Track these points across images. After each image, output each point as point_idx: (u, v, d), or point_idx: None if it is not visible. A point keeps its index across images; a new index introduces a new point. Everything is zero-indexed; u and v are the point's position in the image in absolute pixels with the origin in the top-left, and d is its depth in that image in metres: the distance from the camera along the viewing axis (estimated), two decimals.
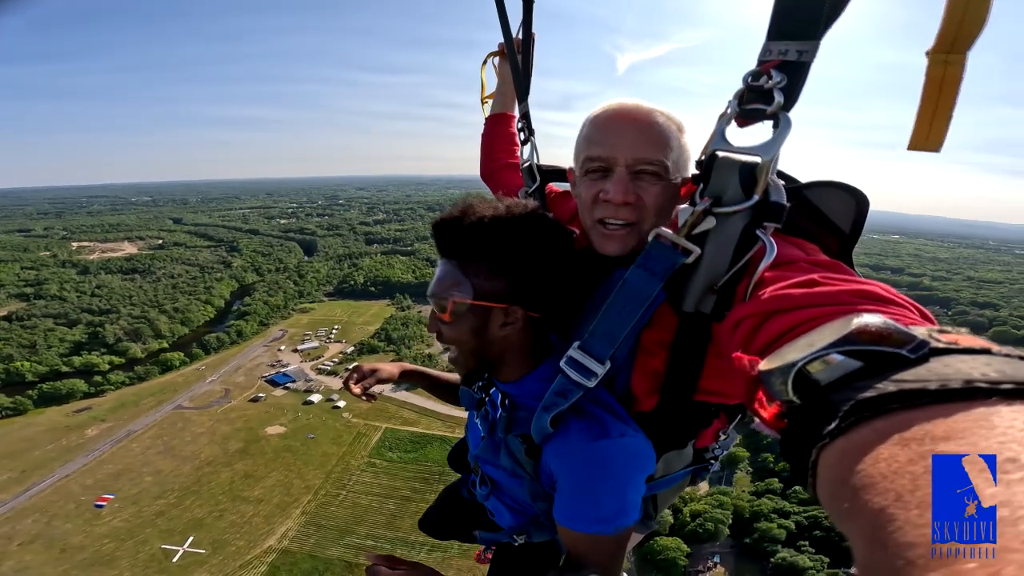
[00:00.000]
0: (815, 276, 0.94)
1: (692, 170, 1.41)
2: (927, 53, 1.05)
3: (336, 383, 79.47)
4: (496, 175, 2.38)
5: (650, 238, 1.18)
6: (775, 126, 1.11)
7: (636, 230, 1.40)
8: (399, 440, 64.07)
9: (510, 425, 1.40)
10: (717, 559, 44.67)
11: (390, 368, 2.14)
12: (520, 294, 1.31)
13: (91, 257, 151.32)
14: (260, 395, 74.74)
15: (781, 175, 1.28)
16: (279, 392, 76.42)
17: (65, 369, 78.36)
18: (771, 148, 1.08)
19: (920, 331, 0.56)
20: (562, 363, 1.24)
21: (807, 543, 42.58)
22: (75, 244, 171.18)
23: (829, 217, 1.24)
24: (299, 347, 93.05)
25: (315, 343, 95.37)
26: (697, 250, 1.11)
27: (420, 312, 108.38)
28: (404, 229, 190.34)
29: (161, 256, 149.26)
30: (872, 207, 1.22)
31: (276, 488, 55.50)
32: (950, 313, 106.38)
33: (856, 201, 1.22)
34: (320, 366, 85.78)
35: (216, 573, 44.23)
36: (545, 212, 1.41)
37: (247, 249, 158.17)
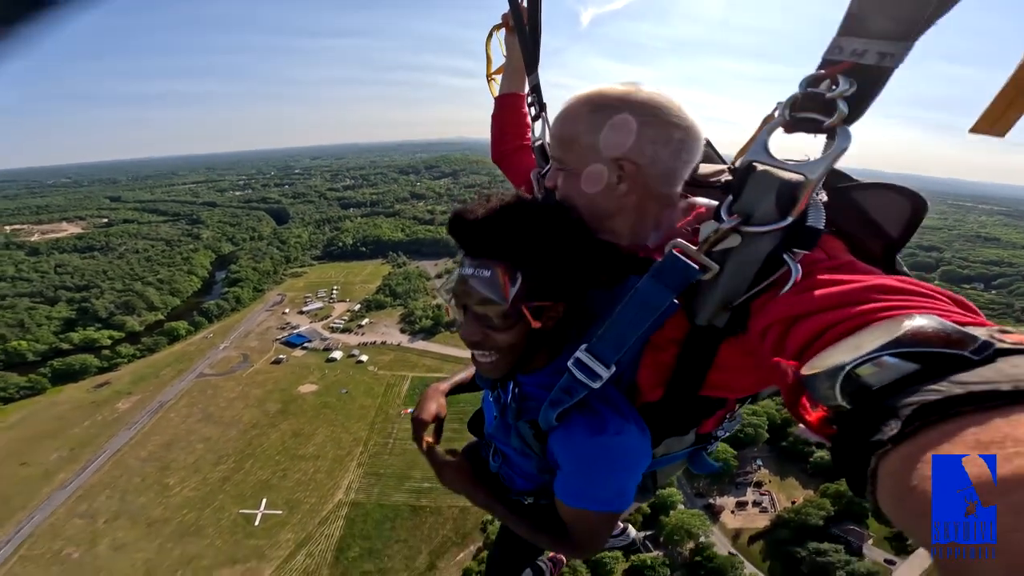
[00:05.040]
0: (827, 276, 0.88)
1: (624, 146, 1.22)
2: None
3: (351, 339, 76.94)
4: (508, 158, 2.19)
5: (667, 249, 1.06)
6: (829, 139, 0.95)
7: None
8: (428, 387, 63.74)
9: (520, 413, 1.39)
10: (760, 463, 46.67)
11: (440, 402, 1.90)
12: (560, 290, 1.24)
13: (32, 238, 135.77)
14: (281, 357, 70.66)
15: (837, 173, 1.13)
16: (298, 353, 72.59)
17: (65, 346, 70.72)
18: (820, 166, 0.93)
19: (981, 332, 0.53)
20: (569, 363, 1.18)
21: None
22: (8, 227, 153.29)
23: (875, 219, 1.07)
24: (304, 309, 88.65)
25: (319, 304, 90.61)
26: (715, 268, 1.00)
27: (418, 267, 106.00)
28: (380, 192, 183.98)
29: (116, 232, 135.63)
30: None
31: (328, 443, 53.49)
32: (900, 255, 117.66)
33: (911, 205, 1.03)
34: (332, 324, 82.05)
35: (299, 531, 42.16)
36: (567, 207, 1.32)
37: (212, 221, 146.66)
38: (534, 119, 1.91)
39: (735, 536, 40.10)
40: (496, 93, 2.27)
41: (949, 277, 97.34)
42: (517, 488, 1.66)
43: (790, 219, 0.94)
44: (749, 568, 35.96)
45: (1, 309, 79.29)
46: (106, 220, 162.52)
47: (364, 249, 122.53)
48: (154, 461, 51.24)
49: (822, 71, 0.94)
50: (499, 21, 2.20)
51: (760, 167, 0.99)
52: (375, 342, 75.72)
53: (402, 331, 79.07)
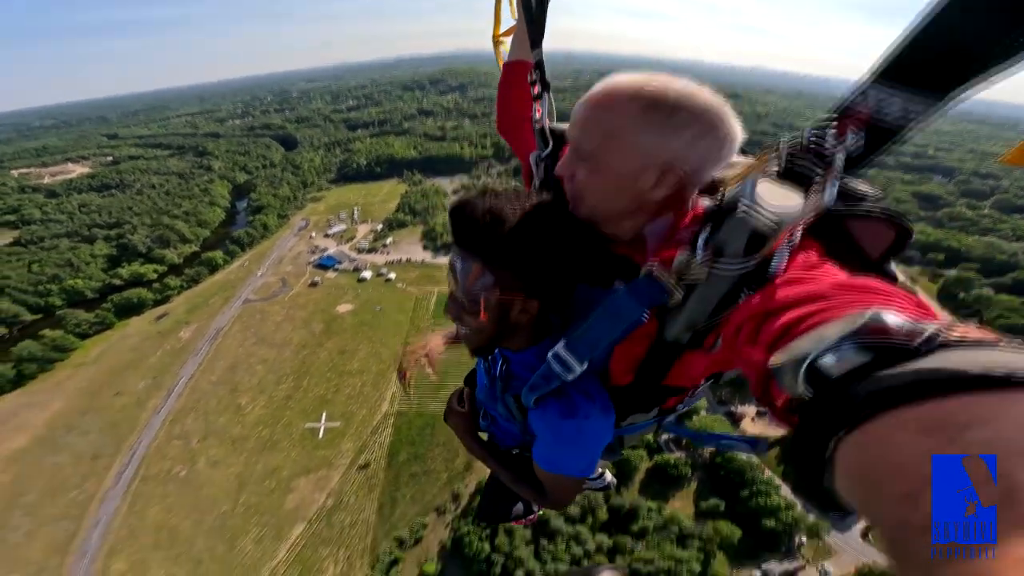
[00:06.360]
0: (801, 275, 0.91)
1: (678, 159, 1.14)
2: None
3: (378, 259, 78.53)
4: (514, 131, 2.02)
5: (643, 271, 1.09)
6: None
7: (579, 208, 1.29)
8: None
9: (506, 387, 1.52)
10: None
11: (438, 341, 2.13)
12: (537, 289, 1.30)
13: (44, 181, 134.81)
14: (316, 279, 72.71)
15: (847, 191, 1.04)
16: (331, 274, 74.56)
17: (116, 282, 73.39)
18: (795, 218, 0.92)
19: (931, 325, 0.55)
20: (549, 355, 1.26)
21: None
22: (15, 172, 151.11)
23: (859, 245, 1.06)
24: (329, 232, 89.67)
25: (343, 226, 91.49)
26: (679, 296, 1.04)
27: (434, 184, 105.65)
28: (386, 111, 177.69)
29: (127, 169, 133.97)
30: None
31: (370, 359, 56.10)
32: (952, 181, 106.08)
33: (896, 234, 1.03)
34: (358, 246, 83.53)
35: (356, 441, 45.90)
36: (566, 210, 1.31)
37: (220, 151, 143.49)
38: (536, 98, 1.72)
39: None
40: (502, 58, 2.08)
41: (1001, 206, 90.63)
42: (503, 445, 1.90)
43: (753, 264, 0.94)
44: (766, 472, 38.54)
45: (45, 250, 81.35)
46: (111, 158, 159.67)
47: (378, 169, 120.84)
48: (224, 384, 54.78)
49: (835, 119, 0.88)
50: None
51: (741, 208, 0.95)
52: (400, 260, 77.44)
53: (424, 248, 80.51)
